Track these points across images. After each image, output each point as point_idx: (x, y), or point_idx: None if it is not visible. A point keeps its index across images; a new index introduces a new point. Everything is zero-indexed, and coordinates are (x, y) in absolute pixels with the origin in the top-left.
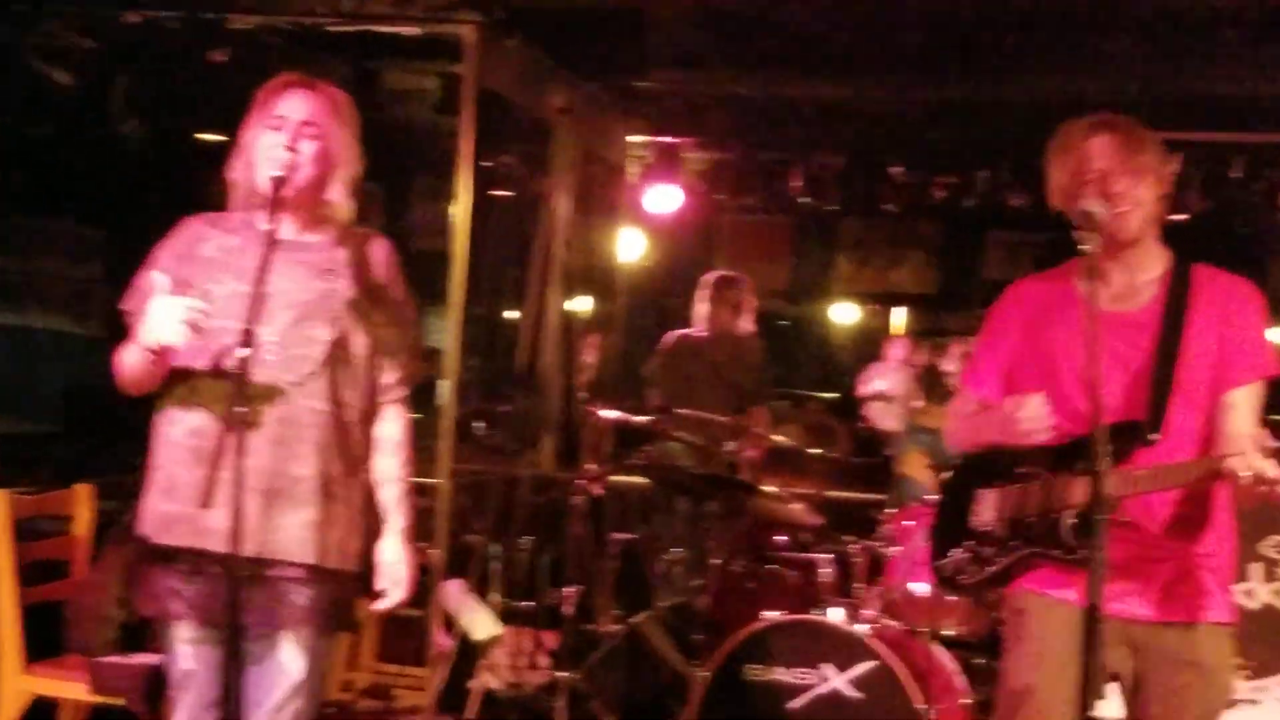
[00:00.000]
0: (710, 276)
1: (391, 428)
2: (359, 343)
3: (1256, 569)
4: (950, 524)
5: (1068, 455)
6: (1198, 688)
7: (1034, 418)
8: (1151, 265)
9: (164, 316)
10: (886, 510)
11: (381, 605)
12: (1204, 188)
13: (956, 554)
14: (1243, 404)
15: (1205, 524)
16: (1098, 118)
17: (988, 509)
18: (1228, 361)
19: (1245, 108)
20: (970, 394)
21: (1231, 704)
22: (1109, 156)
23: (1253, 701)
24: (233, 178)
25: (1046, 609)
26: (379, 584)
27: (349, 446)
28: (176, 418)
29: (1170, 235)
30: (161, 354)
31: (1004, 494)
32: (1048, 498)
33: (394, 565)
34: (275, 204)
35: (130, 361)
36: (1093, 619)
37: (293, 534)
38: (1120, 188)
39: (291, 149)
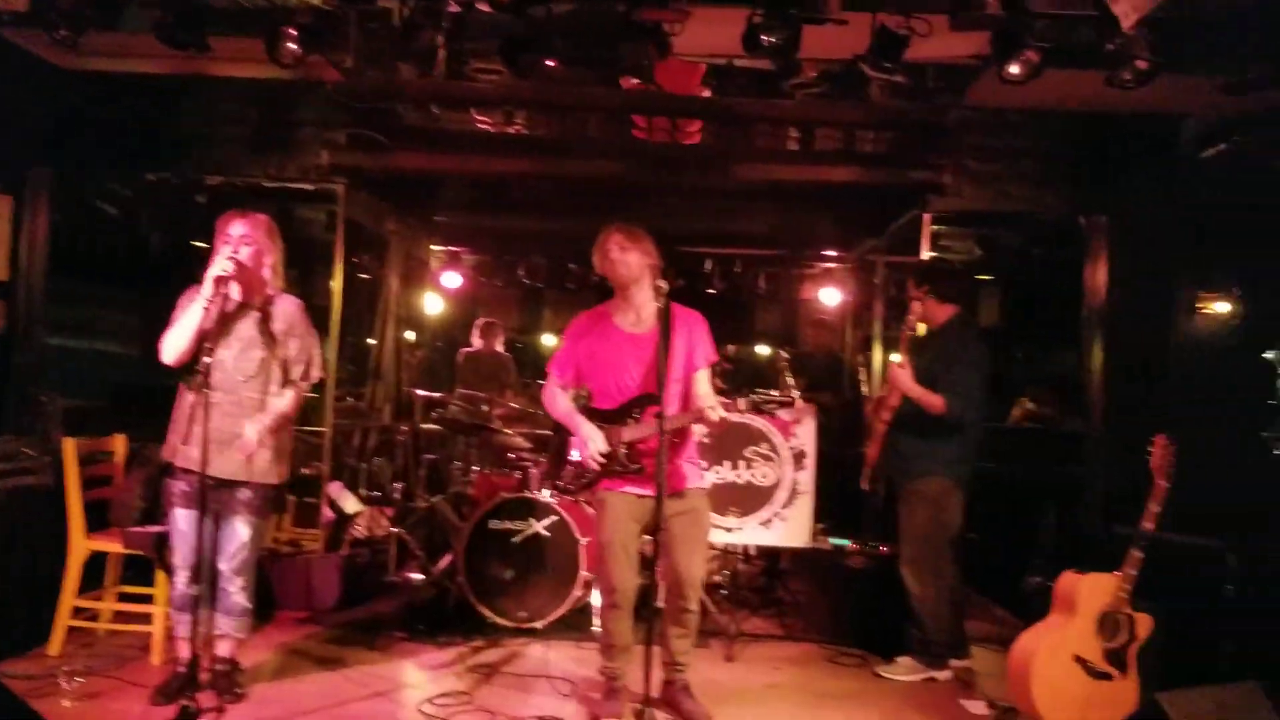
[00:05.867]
0: (480, 320)
1: (282, 400)
2: (279, 357)
3: (742, 464)
4: (559, 457)
5: (618, 414)
6: (693, 520)
7: (596, 452)
8: (650, 306)
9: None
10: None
11: (244, 439)
12: (724, 276)
13: (565, 474)
14: (703, 379)
15: (685, 444)
16: (615, 227)
17: (580, 450)
18: (691, 358)
19: (742, 237)
20: (556, 380)
21: (712, 526)
22: (620, 248)
23: (740, 528)
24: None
25: (615, 497)
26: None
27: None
28: (182, 393)
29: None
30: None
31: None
32: (610, 438)
33: (249, 432)
34: (231, 282)
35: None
36: (659, 501)
37: (237, 464)
38: (620, 263)
39: (235, 252)
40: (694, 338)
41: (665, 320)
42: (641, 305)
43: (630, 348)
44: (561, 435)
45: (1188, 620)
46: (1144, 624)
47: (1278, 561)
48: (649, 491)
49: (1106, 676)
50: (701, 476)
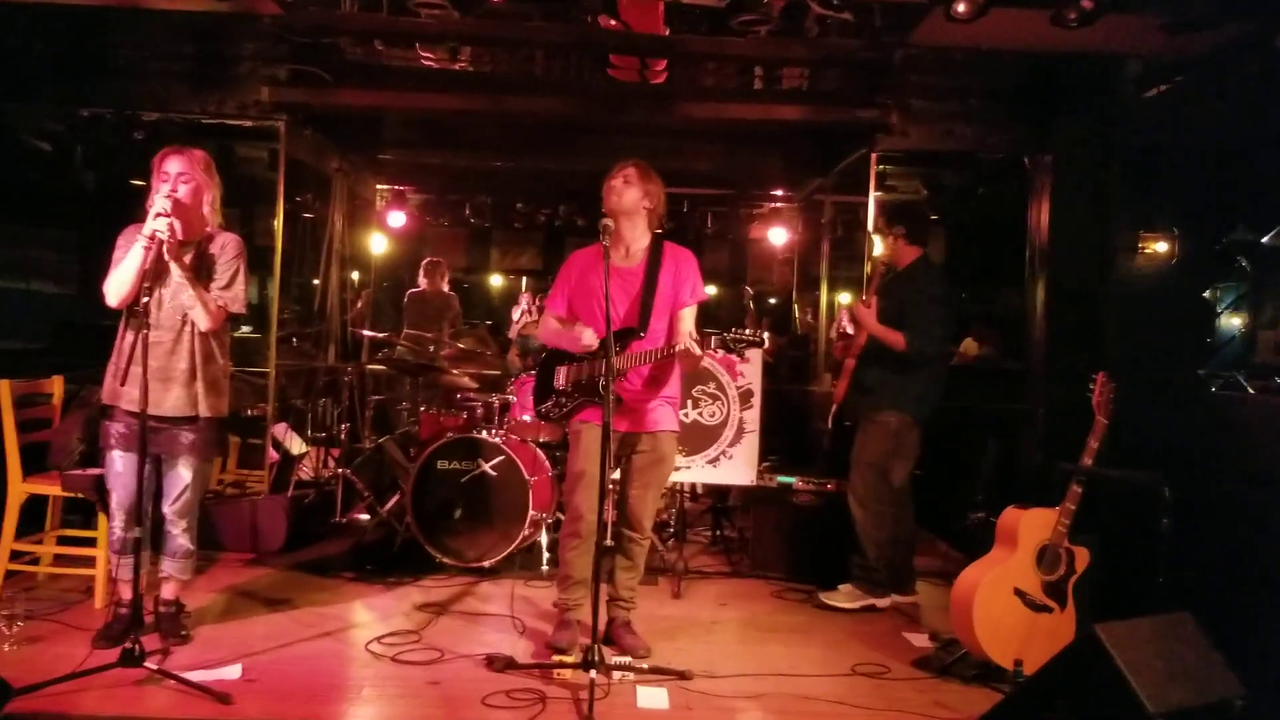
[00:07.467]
0: (425, 259)
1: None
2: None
3: (689, 403)
4: (544, 386)
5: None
6: (655, 460)
7: (587, 341)
8: (641, 241)
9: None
10: (510, 378)
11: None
12: (672, 215)
13: (547, 403)
14: (687, 316)
15: (667, 380)
16: (632, 162)
17: (561, 378)
18: (678, 294)
19: (689, 176)
20: (551, 313)
21: (674, 469)
22: (624, 181)
23: (687, 467)
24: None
25: (590, 429)
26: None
27: (209, 347)
28: (120, 332)
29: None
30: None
31: (569, 370)
32: (591, 370)
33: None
34: (170, 220)
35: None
36: (607, 432)
37: (177, 400)
38: (616, 193)
39: (173, 190)
40: (682, 274)
41: (655, 254)
42: (631, 240)
43: (617, 280)
44: (547, 366)
45: (1125, 553)
46: (1082, 557)
47: (1212, 496)
48: (623, 428)
49: (1046, 609)
50: (675, 420)
